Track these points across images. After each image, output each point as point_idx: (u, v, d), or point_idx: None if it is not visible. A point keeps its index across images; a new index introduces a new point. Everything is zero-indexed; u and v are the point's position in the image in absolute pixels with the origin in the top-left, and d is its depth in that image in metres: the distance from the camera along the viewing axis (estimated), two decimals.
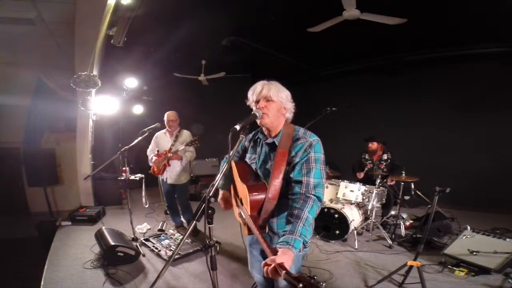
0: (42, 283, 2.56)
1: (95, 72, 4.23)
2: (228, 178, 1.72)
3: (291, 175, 1.39)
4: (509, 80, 4.61)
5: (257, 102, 1.51)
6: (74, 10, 3.50)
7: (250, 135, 1.70)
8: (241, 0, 3.73)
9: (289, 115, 1.56)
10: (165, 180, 3.71)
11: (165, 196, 3.87)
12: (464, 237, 3.06)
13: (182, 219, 4.00)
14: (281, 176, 1.39)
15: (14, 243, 3.71)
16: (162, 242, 3.40)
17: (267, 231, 1.50)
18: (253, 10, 4.01)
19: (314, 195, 1.32)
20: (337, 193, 4.08)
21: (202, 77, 6.09)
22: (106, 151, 5.47)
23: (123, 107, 5.30)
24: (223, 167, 1.44)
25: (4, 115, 4.48)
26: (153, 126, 3.58)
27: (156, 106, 6.59)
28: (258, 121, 1.49)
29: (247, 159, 1.67)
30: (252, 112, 1.53)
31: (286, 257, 1.09)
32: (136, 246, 3.17)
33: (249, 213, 1.37)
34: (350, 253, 3.41)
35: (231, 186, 1.75)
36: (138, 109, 6.40)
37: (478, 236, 3.02)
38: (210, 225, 1.34)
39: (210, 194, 1.29)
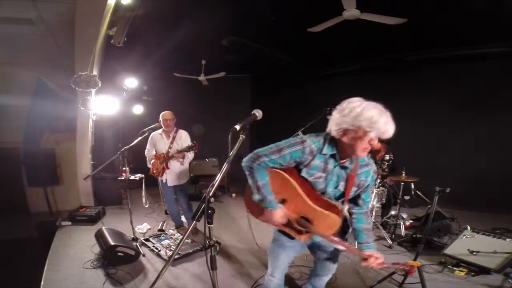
0: (42, 283, 2.55)
1: (95, 72, 4.23)
2: (274, 189, 1.55)
3: (362, 196, 1.62)
4: (509, 80, 4.61)
5: (366, 134, 1.34)
6: (74, 10, 3.50)
7: (313, 147, 1.47)
8: (241, 0, 3.72)
9: None
10: (164, 181, 3.69)
11: (165, 197, 3.87)
12: (464, 237, 3.06)
13: (183, 219, 4.00)
14: (349, 197, 1.56)
15: (14, 243, 3.71)
16: (162, 242, 3.40)
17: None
18: (253, 10, 4.01)
19: (368, 209, 1.70)
20: None
21: (202, 77, 6.10)
22: (106, 151, 5.46)
23: (123, 107, 5.29)
24: (224, 167, 1.42)
25: (4, 115, 4.48)
26: (153, 126, 3.56)
27: (156, 106, 6.58)
28: (360, 154, 1.41)
29: (305, 175, 1.52)
30: (252, 112, 1.53)
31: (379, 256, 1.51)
32: (136, 246, 3.17)
33: (331, 234, 1.52)
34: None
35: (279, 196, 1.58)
36: (138, 109, 6.40)
37: (478, 236, 3.02)
38: (210, 225, 1.34)
39: (210, 194, 1.29)
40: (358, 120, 1.31)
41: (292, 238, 1.66)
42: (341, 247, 1.56)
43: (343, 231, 1.64)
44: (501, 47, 4.56)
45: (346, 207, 1.56)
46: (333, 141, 1.47)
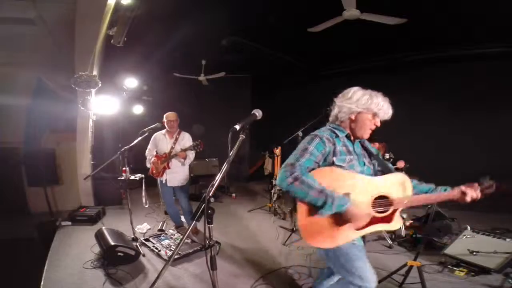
0: (42, 283, 2.55)
1: (95, 72, 4.22)
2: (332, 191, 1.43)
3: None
4: (509, 80, 4.61)
5: (374, 116, 1.59)
6: (74, 10, 3.50)
7: (328, 135, 1.53)
8: (241, 0, 3.73)
9: None
10: (164, 182, 3.68)
11: (164, 197, 3.85)
12: (464, 237, 3.06)
13: (183, 219, 4.00)
14: None
15: (14, 243, 3.71)
16: (162, 242, 3.40)
17: None
18: (253, 10, 4.01)
19: None
20: None
21: (202, 77, 6.10)
22: (106, 151, 5.47)
23: (123, 107, 5.29)
24: (224, 167, 1.41)
25: (4, 115, 4.48)
26: (153, 126, 3.56)
27: (156, 106, 6.59)
28: (360, 136, 1.62)
29: (340, 162, 1.49)
30: (252, 112, 1.53)
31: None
32: (136, 246, 3.17)
33: (411, 194, 1.57)
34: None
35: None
36: (138, 109, 6.40)
37: (478, 236, 3.02)
38: (210, 225, 1.34)
39: (210, 194, 1.29)
40: (369, 104, 1.54)
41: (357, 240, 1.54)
42: (428, 202, 1.63)
43: None
44: (501, 47, 4.56)
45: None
46: (341, 124, 1.64)
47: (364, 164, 1.61)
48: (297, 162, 1.43)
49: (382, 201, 1.50)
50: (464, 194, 1.56)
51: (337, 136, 1.58)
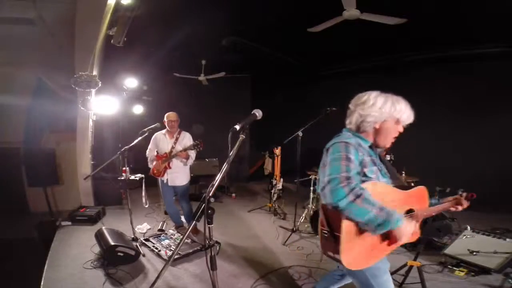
0: (42, 283, 2.55)
1: (95, 72, 4.22)
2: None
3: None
4: (509, 80, 4.61)
5: (398, 123, 1.48)
6: (74, 10, 3.50)
7: (355, 143, 1.39)
8: (241, 0, 3.73)
9: None
10: (165, 181, 3.68)
11: (164, 197, 3.84)
12: (464, 237, 3.06)
13: (183, 219, 4.00)
14: None
15: (14, 243, 3.71)
16: (162, 242, 3.40)
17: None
18: (253, 10, 4.01)
19: None
20: None
21: (202, 77, 6.10)
22: (106, 151, 5.47)
23: (123, 107, 5.29)
24: (224, 167, 1.39)
25: (4, 115, 4.48)
26: (153, 126, 3.57)
27: (156, 106, 6.60)
28: (384, 145, 1.51)
29: (370, 174, 1.38)
30: (252, 112, 1.52)
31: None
32: (136, 246, 3.17)
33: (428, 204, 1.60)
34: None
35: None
36: (138, 109, 6.40)
37: (478, 236, 3.02)
38: (210, 225, 1.34)
39: (210, 194, 1.29)
40: (393, 111, 1.43)
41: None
42: (440, 210, 1.65)
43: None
44: (501, 47, 4.56)
45: None
46: (362, 133, 1.51)
47: (385, 174, 1.49)
48: (350, 173, 1.24)
49: (408, 215, 1.47)
50: (458, 204, 1.64)
51: (360, 145, 1.42)
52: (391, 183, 1.49)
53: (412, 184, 1.58)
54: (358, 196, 1.18)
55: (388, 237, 1.34)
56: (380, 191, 1.33)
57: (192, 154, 3.62)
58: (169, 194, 3.79)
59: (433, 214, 1.63)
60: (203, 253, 1.36)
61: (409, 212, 1.48)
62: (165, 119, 3.66)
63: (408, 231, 1.29)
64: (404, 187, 1.51)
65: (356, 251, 1.32)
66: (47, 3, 3.35)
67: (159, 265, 2.99)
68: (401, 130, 1.49)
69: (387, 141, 1.49)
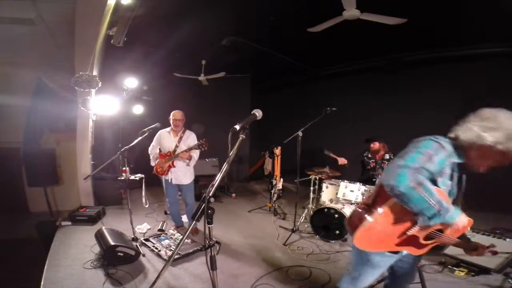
0: (42, 283, 2.55)
1: (95, 72, 4.23)
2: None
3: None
4: (509, 80, 4.61)
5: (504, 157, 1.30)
6: (74, 10, 3.50)
7: (454, 155, 1.37)
8: (241, 0, 3.72)
9: None
10: (169, 180, 3.68)
11: (168, 196, 3.84)
12: None
13: (183, 219, 4.00)
14: None
15: (14, 243, 3.71)
16: (162, 242, 3.40)
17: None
18: (253, 10, 4.01)
19: None
20: (337, 193, 4.08)
21: (202, 77, 6.10)
22: (106, 151, 5.47)
23: (123, 107, 5.29)
24: (224, 167, 1.39)
25: (4, 115, 4.48)
26: (153, 126, 3.56)
27: (156, 106, 6.59)
28: (476, 169, 1.39)
29: (440, 185, 1.37)
30: (252, 112, 1.53)
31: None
32: (136, 246, 3.17)
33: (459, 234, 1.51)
34: (350, 253, 3.40)
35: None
36: (138, 109, 6.40)
37: (478, 236, 3.01)
38: (210, 225, 1.34)
39: (210, 194, 1.29)
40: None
41: (394, 253, 1.50)
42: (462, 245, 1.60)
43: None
44: (501, 47, 4.56)
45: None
46: (460, 149, 1.37)
47: (452, 194, 1.46)
48: (423, 167, 1.26)
49: (436, 232, 1.48)
50: (475, 250, 1.58)
51: (450, 156, 1.36)
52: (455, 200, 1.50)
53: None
54: (419, 184, 1.21)
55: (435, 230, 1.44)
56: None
57: (195, 154, 3.60)
58: (173, 193, 3.79)
59: (453, 244, 1.58)
60: (203, 253, 1.36)
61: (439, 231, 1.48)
62: (170, 117, 3.66)
63: (463, 226, 1.32)
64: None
65: (374, 233, 1.42)
66: (47, 3, 3.34)
67: (159, 265, 2.99)
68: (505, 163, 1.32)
69: (479, 165, 1.38)
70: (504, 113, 1.31)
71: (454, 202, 1.46)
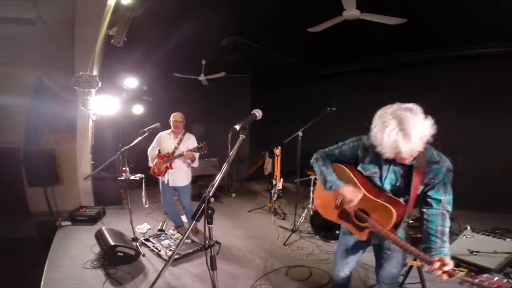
0: (42, 283, 2.56)
1: (95, 72, 4.23)
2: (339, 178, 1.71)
3: (429, 193, 1.51)
4: (509, 80, 4.61)
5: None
6: (74, 10, 3.50)
7: (366, 143, 1.56)
8: (241, 0, 3.72)
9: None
10: (166, 182, 3.68)
11: (164, 198, 3.82)
12: (464, 237, 3.06)
13: (183, 219, 4.00)
14: (416, 195, 1.50)
15: (14, 243, 3.71)
16: (162, 242, 3.40)
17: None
18: (253, 10, 4.01)
19: (448, 211, 1.54)
20: None
21: (202, 77, 6.10)
22: (106, 151, 5.46)
23: (123, 107, 5.29)
24: (224, 167, 1.40)
25: (4, 115, 4.48)
26: (153, 126, 3.56)
27: (156, 106, 6.59)
28: (400, 161, 1.44)
29: (361, 170, 1.62)
30: (252, 112, 1.53)
31: (452, 262, 1.36)
32: (136, 246, 3.18)
33: (389, 228, 1.49)
34: None
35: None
36: (138, 109, 6.40)
37: (478, 236, 3.02)
38: (210, 225, 1.34)
39: (210, 194, 1.29)
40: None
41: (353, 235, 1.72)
42: (397, 244, 1.49)
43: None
44: (501, 47, 4.56)
45: (412, 203, 1.50)
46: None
47: (395, 184, 1.59)
48: (331, 152, 1.76)
49: (363, 214, 1.62)
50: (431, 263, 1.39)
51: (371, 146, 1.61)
52: (392, 189, 1.58)
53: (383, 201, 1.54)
54: (316, 160, 1.78)
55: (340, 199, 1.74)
56: (342, 175, 1.70)
57: (196, 155, 3.60)
58: (169, 194, 3.79)
59: (388, 238, 1.50)
60: (203, 253, 1.36)
61: (363, 212, 1.62)
62: (171, 118, 3.65)
63: (349, 195, 1.59)
64: (381, 197, 1.55)
65: (324, 204, 1.87)
66: (47, 3, 3.35)
67: (159, 265, 2.99)
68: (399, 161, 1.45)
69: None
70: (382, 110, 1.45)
71: (397, 190, 1.55)
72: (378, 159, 1.54)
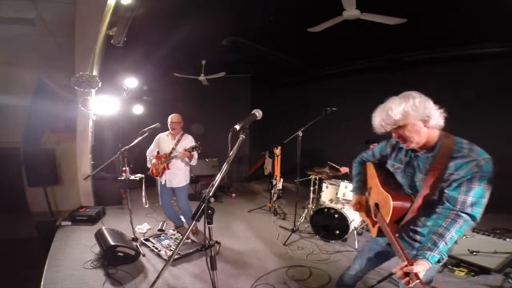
0: (42, 283, 2.56)
1: (95, 72, 4.22)
2: (363, 182, 1.86)
3: (446, 191, 1.31)
4: (509, 80, 4.61)
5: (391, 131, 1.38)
6: (74, 10, 3.50)
7: (394, 141, 1.57)
8: (241, 0, 3.72)
9: (436, 121, 1.37)
10: (163, 183, 3.67)
11: (162, 199, 3.81)
12: (464, 237, 3.06)
13: (183, 219, 4.00)
14: (430, 191, 1.35)
15: (14, 243, 3.71)
16: (162, 242, 3.40)
17: (400, 237, 1.53)
18: (253, 10, 4.01)
19: (468, 214, 1.26)
20: (337, 193, 4.09)
21: (202, 77, 6.10)
22: (106, 151, 5.46)
23: (123, 107, 5.29)
24: (224, 167, 1.40)
25: (4, 115, 4.48)
26: (153, 126, 3.57)
27: (156, 106, 6.60)
28: (404, 146, 1.42)
29: (389, 167, 1.63)
30: (252, 112, 1.52)
31: (423, 268, 1.18)
32: (136, 246, 3.18)
33: (388, 220, 1.40)
34: (350, 253, 3.41)
35: (365, 189, 1.84)
36: (138, 109, 6.39)
37: (478, 236, 3.02)
38: (210, 225, 1.34)
39: (210, 194, 1.29)
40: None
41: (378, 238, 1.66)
42: (392, 244, 1.31)
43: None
44: (501, 47, 4.56)
45: (424, 199, 1.37)
46: None
47: (412, 179, 1.51)
48: (366, 154, 1.90)
49: (375, 208, 1.63)
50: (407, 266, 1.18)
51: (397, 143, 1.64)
52: (409, 184, 1.51)
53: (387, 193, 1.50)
54: (354, 164, 1.95)
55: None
56: (369, 173, 1.83)
57: (195, 154, 3.60)
58: (167, 195, 3.77)
59: (386, 235, 1.39)
60: (203, 253, 1.36)
61: (376, 206, 1.62)
62: (168, 120, 3.66)
63: (352, 205, 1.85)
64: (392, 190, 1.51)
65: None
66: (47, 3, 3.35)
67: (159, 265, 2.99)
68: (395, 136, 1.42)
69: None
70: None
71: (412, 184, 1.47)
72: (401, 154, 1.55)
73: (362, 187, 1.85)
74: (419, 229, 1.46)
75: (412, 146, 1.38)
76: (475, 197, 1.26)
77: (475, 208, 1.27)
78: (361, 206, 1.83)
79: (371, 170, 1.78)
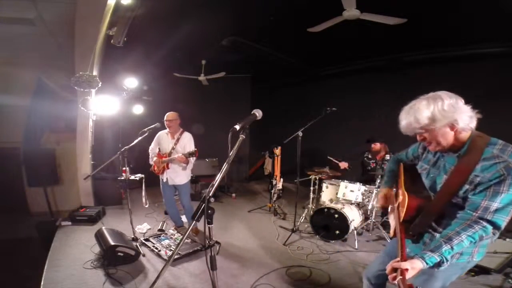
0: (42, 283, 2.56)
1: (95, 72, 4.22)
2: (394, 178, 1.83)
3: (469, 195, 1.22)
4: (509, 80, 4.61)
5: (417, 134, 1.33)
6: (74, 10, 3.50)
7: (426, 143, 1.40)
8: (241, 0, 3.72)
9: (466, 122, 1.26)
10: (165, 180, 3.70)
11: (164, 196, 3.84)
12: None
13: (183, 219, 4.00)
14: (450, 194, 1.28)
15: (14, 243, 3.71)
16: (162, 242, 3.40)
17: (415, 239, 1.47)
18: (253, 10, 4.01)
19: (490, 221, 1.16)
20: (337, 193, 4.09)
21: (202, 77, 6.10)
22: (106, 151, 5.46)
23: (123, 107, 5.29)
24: (224, 167, 1.40)
25: (4, 115, 4.48)
26: (153, 126, 3.57)
27: (156, 106, 6.59)
28: (429, 148, 1.36)
29: (418, 168, 1.58)
30: (252, 112, 1.52)
31: (413, 266, 1.12)
32: (136, 246, 3.18)
33: (401, 219, 1.39)
34: (350, 253, 3.41)
35: (395, 186, 1.79)
36: (138, 109, 6.40)
37: None
38: (210, 225, 1.34)
39: (210, 194, 1.29)
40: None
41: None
42: (398, 235, 1.31)
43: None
44: (501, 47, 4.56)
45: (442, 201, 1.31)
46: None
47: (435, 181, 1.45)
48: (400, 154, 1.85)
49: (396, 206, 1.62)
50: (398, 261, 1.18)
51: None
52: (430, 185, 1.46)
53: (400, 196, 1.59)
54: (389, 161, 1.94)
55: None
56: (402, 175, 1.73)
57: (192, 159, 3.59)
58: (169, 193, 3.80)
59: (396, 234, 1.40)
60: (203, 253, 1.36)
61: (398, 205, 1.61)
62: (164, 118, 3.66)
63: (380, 197, 1.80)
64: (416, 190, 1.51)
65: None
66: (47, 3, 3.35)
67: (159, 265, 2.99)
68: (420, 140, 1.38)
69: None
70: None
71: (433, 185, 1.42)
72: (432, 155, 1.49)
73: (392, 182, 1.81)
74: (437, 235, 1.36)
75: (438, 148, 1.32)
76: (502, 203, 1.15)
77: (499, 215, 1.16)
78: (387, 200, 1.75)
79: (399, 169, 1.80)
